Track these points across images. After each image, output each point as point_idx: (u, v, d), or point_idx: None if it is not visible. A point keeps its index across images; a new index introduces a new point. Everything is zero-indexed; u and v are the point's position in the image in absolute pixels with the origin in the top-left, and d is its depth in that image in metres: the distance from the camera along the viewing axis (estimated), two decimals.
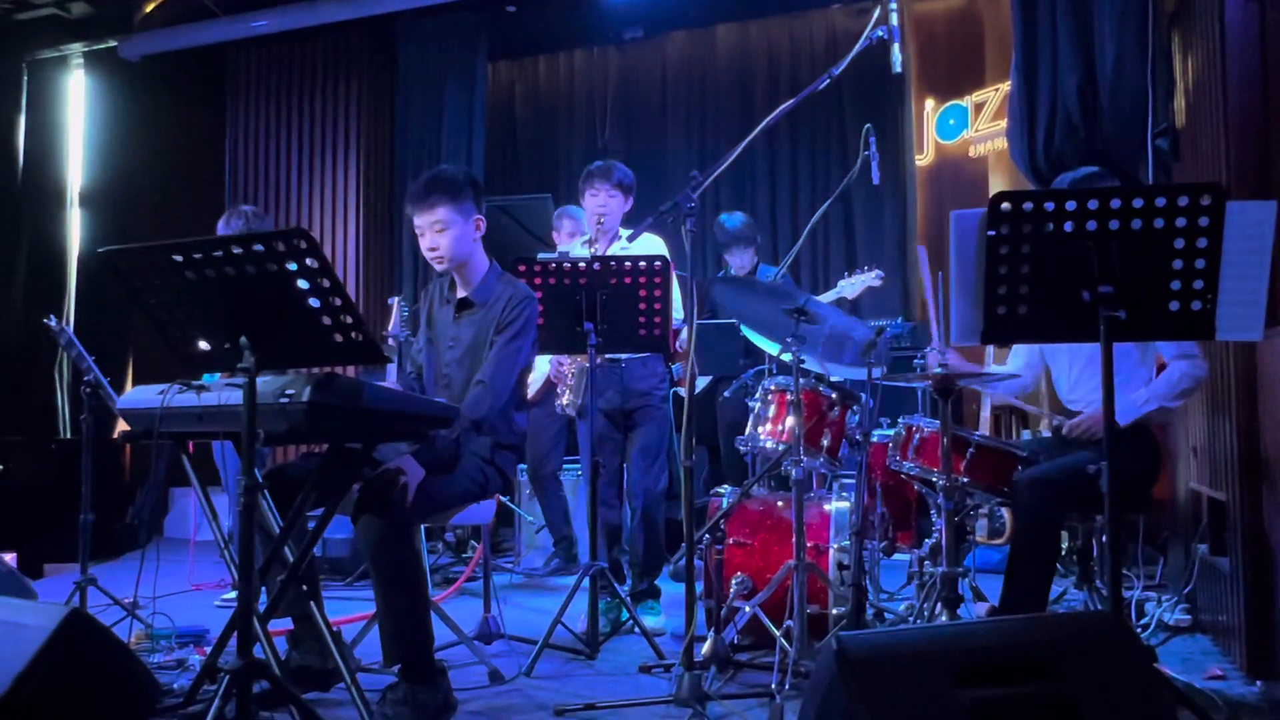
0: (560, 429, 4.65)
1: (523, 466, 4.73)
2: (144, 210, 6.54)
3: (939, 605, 2.82)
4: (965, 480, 3.00)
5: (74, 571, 3.54)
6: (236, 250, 2.01)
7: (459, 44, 6.36)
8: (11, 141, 6.56)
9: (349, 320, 2.08)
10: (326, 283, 2.02)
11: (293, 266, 2.00)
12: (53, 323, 3.48)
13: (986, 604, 3.41)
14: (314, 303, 2.05)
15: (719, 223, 5.12)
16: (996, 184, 6.12)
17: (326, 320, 2.08)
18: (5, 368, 6.36)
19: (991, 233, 2.26)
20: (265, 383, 2.15)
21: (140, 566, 3.09)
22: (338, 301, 2.05)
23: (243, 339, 2.09)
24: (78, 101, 6.75)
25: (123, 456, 6.30)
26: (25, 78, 6.62)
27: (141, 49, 6.47)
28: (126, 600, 3.45)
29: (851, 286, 4.73)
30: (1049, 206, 2.22)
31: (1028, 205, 2.22)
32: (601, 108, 7.14)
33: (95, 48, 6.61)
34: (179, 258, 2.06)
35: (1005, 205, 2.23)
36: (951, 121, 6.42)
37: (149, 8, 6.36)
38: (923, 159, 6.50)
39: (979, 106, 6.28)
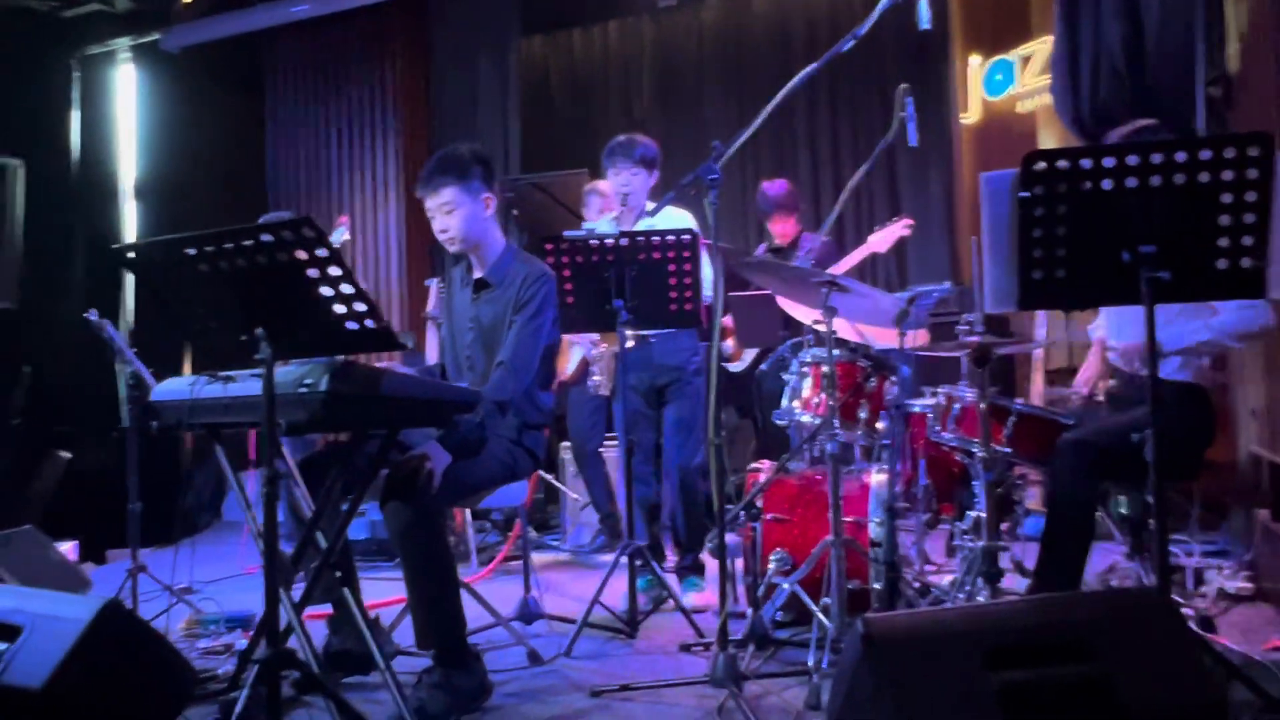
0: (598, 406, 4.62)
1: (568, 444, 4.72)
2: (196, 200, 6.62)
3: (980, 580, 2.74)
4: (1008, 450, 2.91)
5: None
6: (246, 242, 2.00)
7: (492, 20, 6.32)
8: (66, 137, 6.67)
9: (362, 308, 2.06)
10: (335, 270, 2.00)
11: (301, 255, 1.99)
12: (92, 316, 3.55)
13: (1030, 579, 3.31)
14: (325, 291, 2.04)
15: (761, 191, 5.03)
16: (1047, 140, 5.90)
17: (339, 309, 2.06)
18: (68, 359, 6.52)
19: (1025, 194, 2.16)
20: (285, 373, 2.16)
21: (192, 552, 3.16)
22: (348, 289, 2.03)
23: (259, 330, 2.09)
24: (128, 95, 6.85)
25: (181, 443, 6.44)
26: (76, 73, 6.74)
27: (181, 40, 6.54)
28: (178, 586, 3.53)
29: (882, 240, 4.62)
30: (1085, 164, 2.11)
31: (1063, 163, 2.12)
32: (637, 79, 7.04)
33: (141, 41, 6.70)
34: (192, 251, 2.06)
35: (1039, 165, 2.13)
36: (999, 77, 6.18)
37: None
38: (969, 117, 6.27)
39: (1026, 60, 6.02)
